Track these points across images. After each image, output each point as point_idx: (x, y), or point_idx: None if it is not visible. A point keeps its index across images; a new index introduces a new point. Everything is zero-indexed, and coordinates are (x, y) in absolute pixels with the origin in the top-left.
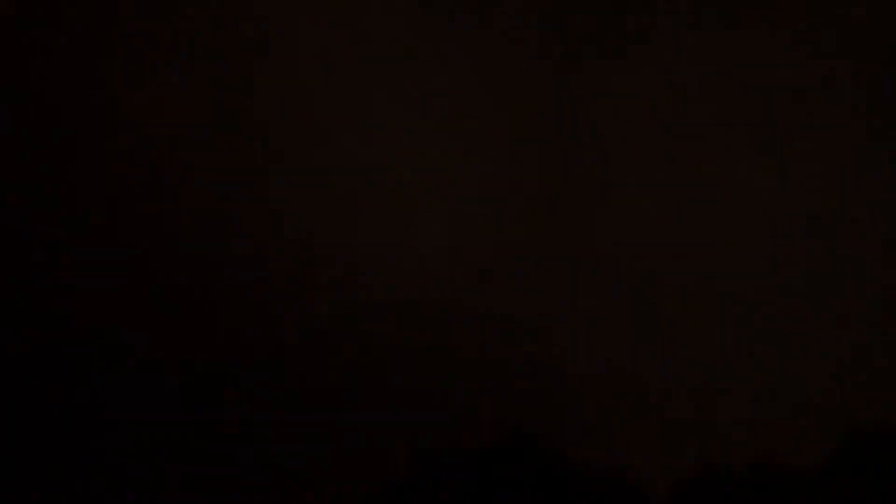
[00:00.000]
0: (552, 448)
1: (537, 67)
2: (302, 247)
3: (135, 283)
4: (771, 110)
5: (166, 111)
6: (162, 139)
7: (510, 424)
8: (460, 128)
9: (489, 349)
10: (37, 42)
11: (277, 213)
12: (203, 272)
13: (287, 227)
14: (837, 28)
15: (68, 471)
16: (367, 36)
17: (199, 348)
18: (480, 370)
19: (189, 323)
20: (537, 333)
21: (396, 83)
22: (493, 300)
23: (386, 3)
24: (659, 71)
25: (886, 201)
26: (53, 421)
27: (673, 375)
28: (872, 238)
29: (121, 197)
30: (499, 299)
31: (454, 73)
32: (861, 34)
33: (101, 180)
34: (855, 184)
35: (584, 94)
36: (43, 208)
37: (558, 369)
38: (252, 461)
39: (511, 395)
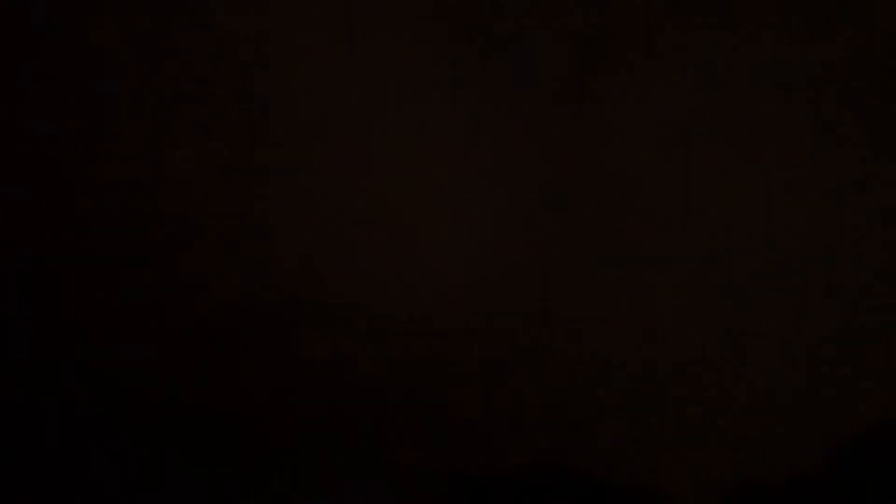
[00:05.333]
0: (581, 466)
1: (551, 77)
2: (320, 272)
3: (150, 325)
4: (784, 117)
5: (175, 156)
6: (173, 180)
7: (537, 445)
8: (473, 146)
9: (517, 372)
10: (37, 54)
11: (295, 249)
12: (219, 310)
13: (305, 261)
14: (854, 35)
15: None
16: (373, 50)
17: (218, 387)
18: (508, 395)
19: (208, 360)
20: (561, 349)
21: (404, 99)
22: (519, 324)
23: (393, 22)
24: (672, 79)
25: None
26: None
27: (705, 388)
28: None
29: (130, 235)
30: (526, 323)
31: (464, 89)
32: (880, 42)
33: (107, 225)
34: (868, 190)
35: (598, 104)
36: (51, 251)
37: (584, 386)
38: (278, 496)
39: (536, 413)
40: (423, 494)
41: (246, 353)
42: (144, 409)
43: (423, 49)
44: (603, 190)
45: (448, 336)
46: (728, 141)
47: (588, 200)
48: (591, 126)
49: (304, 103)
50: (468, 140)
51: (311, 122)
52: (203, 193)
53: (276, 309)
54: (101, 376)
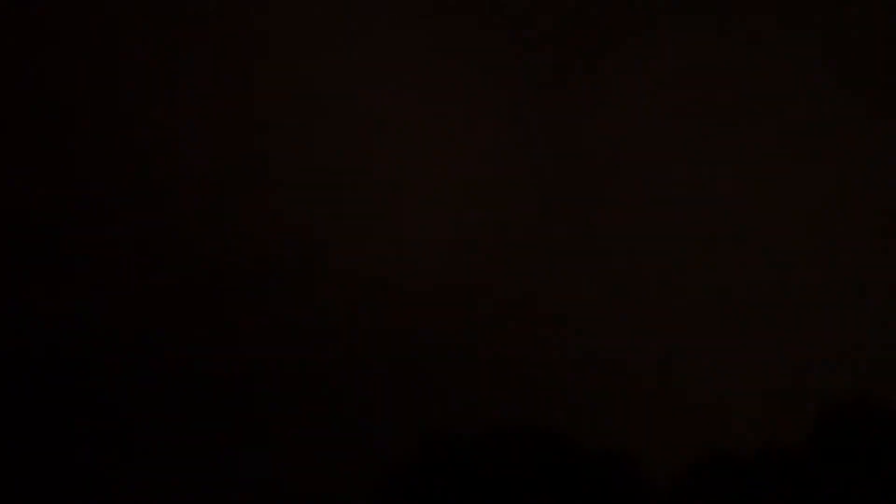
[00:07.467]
0: (555, 434)
1: (539, 67)
2: (308, 239)
3: (138, 280)
4: (766, 109)
5: (169, 112)
6: (165, 138)
7: (513, 411)
8: (464, 128)
9: (491, 338)
10: (39, 44)
11: (283, 210)
12: (207, 268)
13: (292, 222)
14: (838, 25)
15: (72, 474)
16: (370, 39)
17: (205, 343)
18: (482, 358)
19: (195, 317)
20: (539, 321)
21: (399, 84)
22: (495, 290)
23: (389, 9)
24: (655, 70)
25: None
26: (56, 425)
27: (676, 361)
28: (878, 233)
29: (123, 193)
30: (501, 289)
31: (457, 75)
32: (868, 31)
33: (102, 180)
34: (857, 181)
35: (584, 94)
36: (44, 206)
37: (561, 356)
38: (257, 452)
39: (514, 383)
40: (399, 453)
41: (232, 312)
42: (130, 360)
43: (419, 40)
44: (592, 179)
45: (430, 305)
46: (719, 135)
47: (576, 190)
48: (581, 118)
49: (305, 80)
50: (459, 123)
51: (309, 95)
52: (199, 157)
53: (265, 270)
54: (89, 325)
